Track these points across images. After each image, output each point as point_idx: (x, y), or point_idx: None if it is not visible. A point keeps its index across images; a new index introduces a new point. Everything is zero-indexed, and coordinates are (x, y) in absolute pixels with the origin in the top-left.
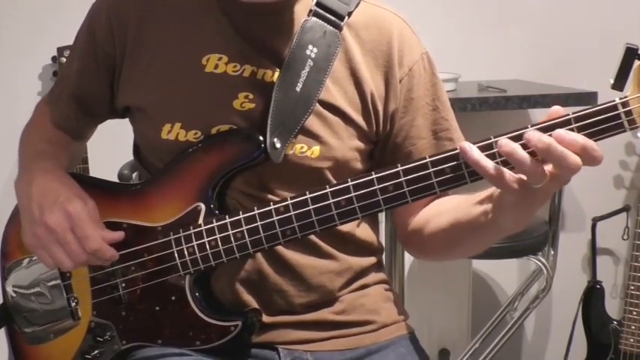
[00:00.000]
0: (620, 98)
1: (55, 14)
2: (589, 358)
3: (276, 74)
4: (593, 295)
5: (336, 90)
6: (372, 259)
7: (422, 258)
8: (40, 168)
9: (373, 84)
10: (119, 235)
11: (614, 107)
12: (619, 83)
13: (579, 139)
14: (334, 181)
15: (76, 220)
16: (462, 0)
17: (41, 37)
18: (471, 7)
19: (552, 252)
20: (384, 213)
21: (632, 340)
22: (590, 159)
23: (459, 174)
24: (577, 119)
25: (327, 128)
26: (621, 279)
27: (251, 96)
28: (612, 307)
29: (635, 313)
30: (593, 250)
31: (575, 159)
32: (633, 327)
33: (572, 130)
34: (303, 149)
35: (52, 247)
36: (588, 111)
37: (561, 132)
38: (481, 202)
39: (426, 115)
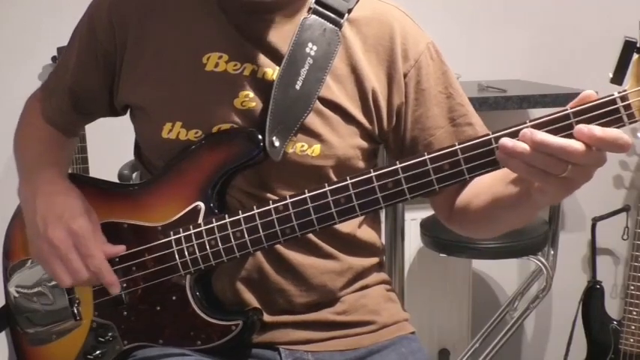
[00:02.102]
0: (619, 92)
1: (54, 14)
2: (589, 358)
3: (276, 73)
4: (593, 295)
5: (337, 87)
6: (374, 260)
7: (466, 235)
8: (43, 178)
9: (375, 80)
10: (119, 249)
11: (613, 101)
12: (618, 77)
13: (596, 131)
14: (335, 180)
15: (80, 238)
16: (462, 0)
17: (41, 37)
18: (471, 7)
19: (552, 252)
20: (384, 213)
21: (632, 340)
22: (615, 147)
23: (458, 170)
24: (576, 114)
25: (327, 126)
26: (621, 279)
27: (251, 95)
28: (612, 307)
29: (635, 313)
30: (593, 250)
31: (558, 165)
32: (633, 327)
33: (570, 125)
34: (304, 148)
35: (54, 263)
36: (587, 105)
37: (581, 126)
38: (516, 179)
39: (440, 103)
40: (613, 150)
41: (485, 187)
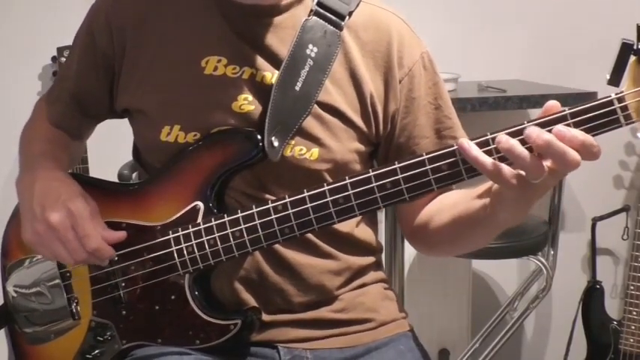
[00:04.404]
0: (616, 93)
1: (54, 14)
2: (589, 358)
3: (275, 76)
4: (593, 295)
5: (336, 91)
6: (371, 259)
7: (428, 253)
8: (42, 167)
9: (372, 85)
10: (120, 234)
11: (610, 102)
12: (615, 78)
13: (579, 135)
14: None
15: (77, 219)
16: (462, 0)
17: (41, 37)
18: (471, 7)
19: (552, 252)
20: (383, 212)
21: (631, 340)
22: (589, 154)
23: (456, 170)
24: (573, 115)
25: (326, 130)
26: (621, 279)
27: (250, 98)
28: (612, 307)
29: (634, 313)
30: (593, 250)
31: (575, 155)
32: (633, 327)
33: (568, 125)
34: (302, 151)
35: (53, 245)
36: (585, 106)
37: (562, 128)
38: (480, 196)
39: (428, 114)
40: (585, 150)
41: (449, 204)
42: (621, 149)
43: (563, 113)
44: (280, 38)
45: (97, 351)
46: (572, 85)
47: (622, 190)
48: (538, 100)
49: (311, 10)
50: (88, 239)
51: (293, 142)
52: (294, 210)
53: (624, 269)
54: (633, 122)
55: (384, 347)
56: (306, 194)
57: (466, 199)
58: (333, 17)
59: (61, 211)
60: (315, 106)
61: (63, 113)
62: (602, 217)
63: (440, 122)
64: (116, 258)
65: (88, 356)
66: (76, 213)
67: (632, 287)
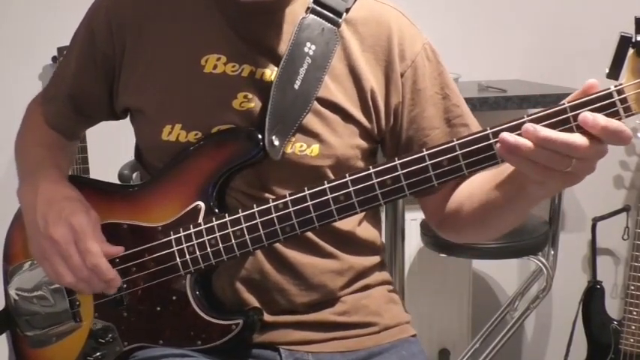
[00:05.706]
0: (615, 86)
1: (54, 14)
2: (589, 358)
3: (275, 73)
4: (593, 295)
5: (336, 87)
6: (374, 259)
7: (457, 239)
8: (43, 177)
9: (373, 80)
10: (118, 249)
11: (610, 95)
12: (614, 72)
13: (601, 120)
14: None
15: (79, 234)
16: (462, 0)
17: (41, 37)
18: (471, 7)
19: (552, 252)
20: (384, 212)
21: (632, 340)
22: (617, 139)
23: (457, 166)
24: (572, 108)
25: (326, 126)
26: (621, 279)
27: (250, 96)
28: (612, 307)
29: (635, 313)
30: (593, 250)
31: (563, 161)
32: (633, 327)
33: (567, 119)
34: (303, 148)
35: (55, 260)
36: (584, 99)
37: (587, 114)
38: (509, 175)
39: (436, 104)
40: (614, 141)
41: (478, 187)
42: (621, 149)
43: (562, 107)
44: (279, 35)
45: (98, 353)
46: (572, 85)
47: (622, 190)
48: (538, 100)
49: (308, 8)
50: (88, 254)
51: (293, 139)
52: (294, 208)
53: (624, 269)
54: (633, 114)
55: (387, 353)
56: (306, 192)
57: (495, 179)
58: (330, 14)
59: (64, 227)
60: (315, 102)
61: (59, 113)
62: (602, 217)
63: (449, 111)
64: (117, 260)
65: (89, 358)
66: (78, 228)
67: (632, 287)
